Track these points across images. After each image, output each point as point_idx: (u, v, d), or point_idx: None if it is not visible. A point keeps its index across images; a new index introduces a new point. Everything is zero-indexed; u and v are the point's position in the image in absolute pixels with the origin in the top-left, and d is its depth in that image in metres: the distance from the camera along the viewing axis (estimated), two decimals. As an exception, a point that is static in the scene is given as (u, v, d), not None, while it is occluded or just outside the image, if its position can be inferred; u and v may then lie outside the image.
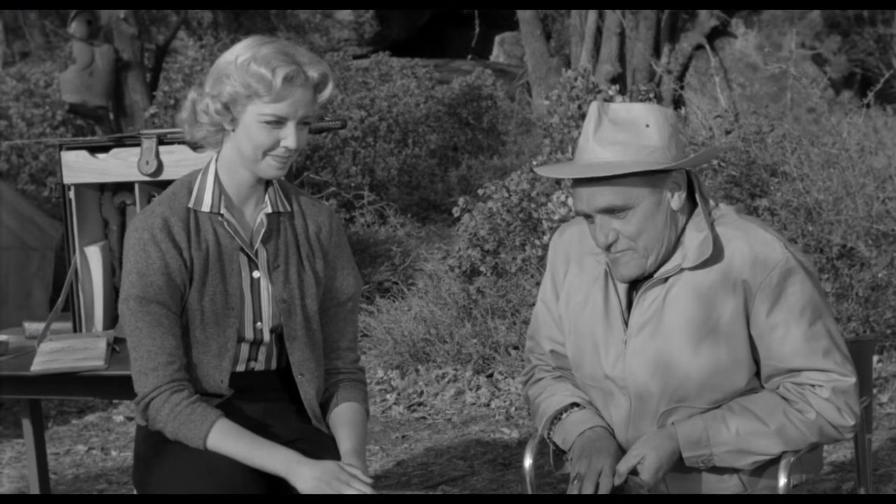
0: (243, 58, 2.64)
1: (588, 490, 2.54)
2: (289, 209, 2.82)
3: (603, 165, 2.53)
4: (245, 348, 2.79)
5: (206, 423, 2.64)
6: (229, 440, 2.64)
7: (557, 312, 2.77)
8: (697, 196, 2.64)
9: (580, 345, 2.71)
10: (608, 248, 2.58)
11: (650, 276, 2.62)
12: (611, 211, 2.55)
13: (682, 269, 2.60)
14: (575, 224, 2.78)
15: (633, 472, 2.57)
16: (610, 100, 6.78)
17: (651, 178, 2.54)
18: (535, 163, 6.66)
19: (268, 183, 2.79)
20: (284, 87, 2.63)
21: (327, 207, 2.91)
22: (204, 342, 2.72)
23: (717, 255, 2.58)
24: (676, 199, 2.58)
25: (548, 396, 2.78)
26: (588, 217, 2.59)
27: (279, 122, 2.66)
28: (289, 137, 2.67)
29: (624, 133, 2.54)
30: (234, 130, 2.69)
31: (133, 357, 2.69)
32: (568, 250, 2.77)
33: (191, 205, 2.73)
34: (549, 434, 2.75)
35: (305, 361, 2.80)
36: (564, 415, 2.72)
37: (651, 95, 6.89)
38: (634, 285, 2.66)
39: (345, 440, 2.77)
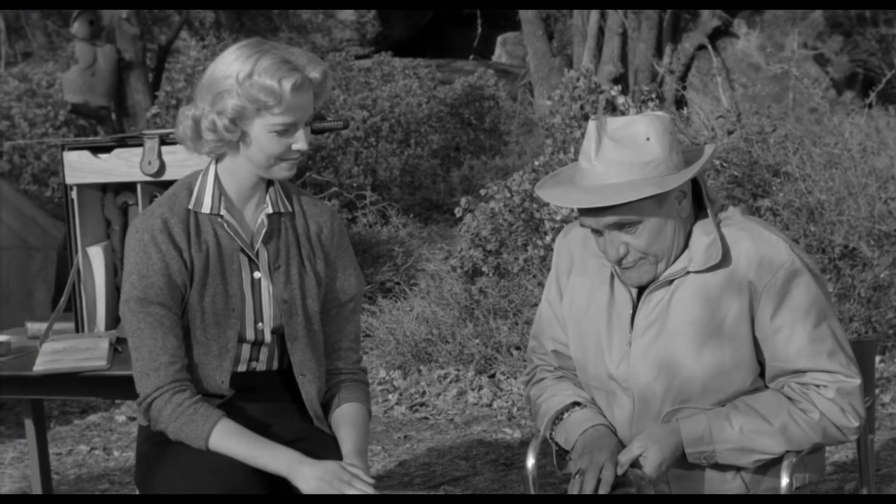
0: (244, 72, 2.63)
1: (590, 484, 2.54)
2: (290, 209, 2.82)
3: (610, 188, 2.50)
4: (246, 349, 2.79)
5: (208, 424, 2.64)
6: (231, 440, 2.64)
7: (561, 312, 2.76)
8: (705, 198, 2.63)
9: (584, 346, 2.71)
10: (619, 262, 2.58)
11: (655, 277, 2.62)
12: (621, 226, 2.54)
13: (687, 272, 2.60)
14: (580, 224, 2.78)
15: (636, 465, 2.57)
16: (612, 101, 6.79)
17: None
18: (537, 162, 6.66)
19: (269, 183, 2.80)
20: (293, 96, 2.64)
21: (329, 207, 2.91)
22: (205, 343, 2.72)
23: (723, 256, 2.58)
24: (685, 205, 2.58)
25: (549, 397, 2.78)
26: (596, 231, 2.59)
27: (289, 128, 2.67)
28: (300, 141, 2.68)
29: (625, 150, 2.51)
30: (242, 143, 2.69)
31: (134, 358, 2.70)
32: (572, 251, 2.76)
33: (191, 206, 2.73)
34: (550, 434, 2.75)
35: (307, 362, 2.80)
36: (566, 414, 2.72)
37: (653, 96, 6.89)
38: (639, 287, 2.65)
39: (347, 440, 2.77)
